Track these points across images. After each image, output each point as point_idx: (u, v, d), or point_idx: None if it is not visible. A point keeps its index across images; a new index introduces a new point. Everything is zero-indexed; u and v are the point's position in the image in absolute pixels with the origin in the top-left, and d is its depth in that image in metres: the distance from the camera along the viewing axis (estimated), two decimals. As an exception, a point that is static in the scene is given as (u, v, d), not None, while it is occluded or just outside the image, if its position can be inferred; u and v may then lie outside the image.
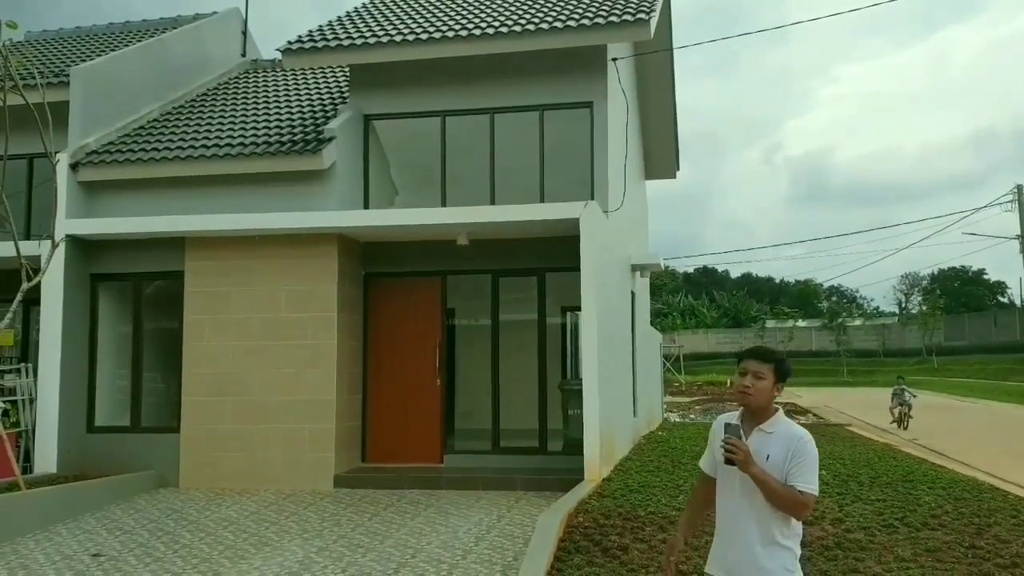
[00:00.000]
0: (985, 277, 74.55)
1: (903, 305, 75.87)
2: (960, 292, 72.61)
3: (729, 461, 3.52)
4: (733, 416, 3.75)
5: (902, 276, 76.96)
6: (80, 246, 11.45)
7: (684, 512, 3.97)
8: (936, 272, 75.80)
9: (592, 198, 11.26)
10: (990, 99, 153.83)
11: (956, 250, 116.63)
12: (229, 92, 15.41)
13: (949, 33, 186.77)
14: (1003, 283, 74.11)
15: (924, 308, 64.03)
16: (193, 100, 14.98)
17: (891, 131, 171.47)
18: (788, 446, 3.56)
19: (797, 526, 3.63)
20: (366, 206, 12.34)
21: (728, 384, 34.98)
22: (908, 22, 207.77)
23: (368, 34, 12.17)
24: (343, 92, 14.05)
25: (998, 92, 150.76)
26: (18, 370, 11.65)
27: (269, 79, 16.12)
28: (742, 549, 3.59)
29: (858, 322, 63.86)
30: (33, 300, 10.77)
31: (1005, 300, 71.26)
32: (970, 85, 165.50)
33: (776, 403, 3.71)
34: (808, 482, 3.50)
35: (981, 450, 14.28)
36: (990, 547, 6.97)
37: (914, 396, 21.34)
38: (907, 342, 58.62)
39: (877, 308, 76.42)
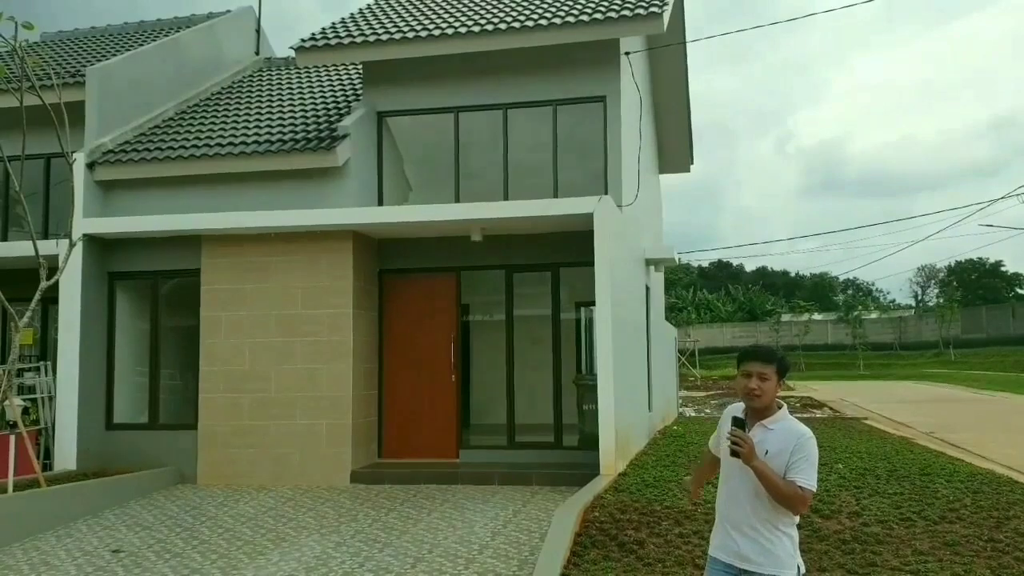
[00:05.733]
0: (1003, 269, 73.92)
1: (919, 298, 75.45)
2: (977, 284, 72.02)
3: (735, 454, 3.65)
4: (740, 408, 3.90)
5: (918, 268, 76.64)
6: (97, 245, 11.54)
7: (694, 476, 4.50)
8: (953, 264, 75.35)
9: (606, 193, 11.25)
10: (1009, 87, 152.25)
11: (973, 242, 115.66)
12: (243, 90, 15.48)
13: (967, 22, 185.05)
14: (1020, 275, 73.46)
15: (941, 301, 63.68)
16: (208, 98, 15.05)
17: (906, 120, 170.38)
18: (790, 442, 3.69)
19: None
20: (380, 203, 12.38)
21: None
22: (926, 10, 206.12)
23: (381, 31, 12.19)
24: (356, 89, 14.08)
25: (1017, 79, 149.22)
26: (37, 368, 11.77)
27: (283, 77, 16.17)
28: (747, 535, 3.73)
29: (874, 315, 63.56)
30: (51, 299, 10.86)
31: (1023, 292, 70.63)
32: (988, 73, 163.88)
33: (786, 398, 3.83)
34: (808, 478, 3.63)
35: (999, 443, 14.17)
36: (1009, 540, 6.93)
37: None
38: (924, 335, 58.30)
39: (893, 301, 76.04)
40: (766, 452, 3.66)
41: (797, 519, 3.81)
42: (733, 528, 3.79)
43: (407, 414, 11.57)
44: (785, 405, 3.86)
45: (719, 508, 3.91)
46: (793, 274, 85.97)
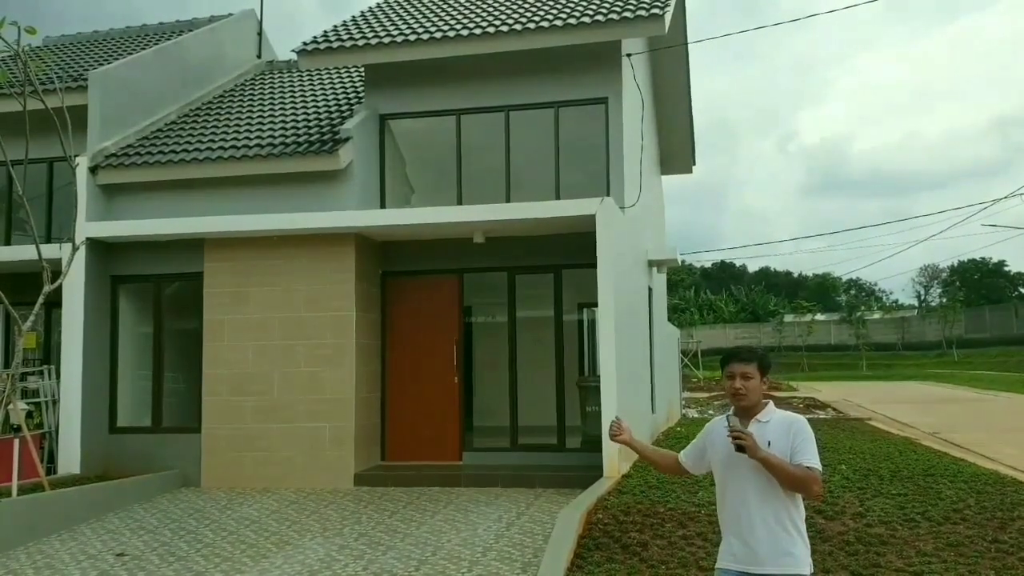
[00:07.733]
0: (1006, 269, 73.82)
1: (922, 298, 75.34)
2: (980, 284, 71.91)
3: (740, 449, 3.66)
4: (722, 422, 3.91)
5: (921, 268, 76.50)
6: (100, 248, 11.56)
7: (652, 455, 4.32)
8: (956, 264, 75.27)
9: (608, 194, 11.24)
10: (1013, 86, 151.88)
11: (976, 241, 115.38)
12: (245, 93, 15.49)
13: (970, 20, 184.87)
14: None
15: (944, 301, 63.60)
16: (210, 102, 15.06)
17: (909, 119, 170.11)
18: (787, 429, 3.77)
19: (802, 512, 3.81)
20: (383, 205, 12.38)
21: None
22: (929, 10, 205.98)
23: (383, 34, 12.19)
24: (358, 92, 14.08)
25: (1021, 78, 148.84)
26: (41, 372, 11.78)
27: (285, 80, 16.18)
28: (765, 540, 3.71)
29: (877, 315, 63.50)
30: (54, 303, 10.86)
31: (1026, 291, 70.57)
32: (992, 72, 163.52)
33: (790, 399, 3.81)
34: (814, 458, 3.70)
35: (1003, 443, 14.15)
36: (1013, 541, 6.92)
37: None
38: (927, 335, 58.25)
39: (896, 301, 75.94)
40: (768, 443, 3.68)
41: (803, 514, 3.81)
42: (744, 534, 3.75)
43: (410, 416, 11.57)
44: (771, 401, 3.90)
45: (724, 520, 3.88)
46: (796, 274, 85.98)
